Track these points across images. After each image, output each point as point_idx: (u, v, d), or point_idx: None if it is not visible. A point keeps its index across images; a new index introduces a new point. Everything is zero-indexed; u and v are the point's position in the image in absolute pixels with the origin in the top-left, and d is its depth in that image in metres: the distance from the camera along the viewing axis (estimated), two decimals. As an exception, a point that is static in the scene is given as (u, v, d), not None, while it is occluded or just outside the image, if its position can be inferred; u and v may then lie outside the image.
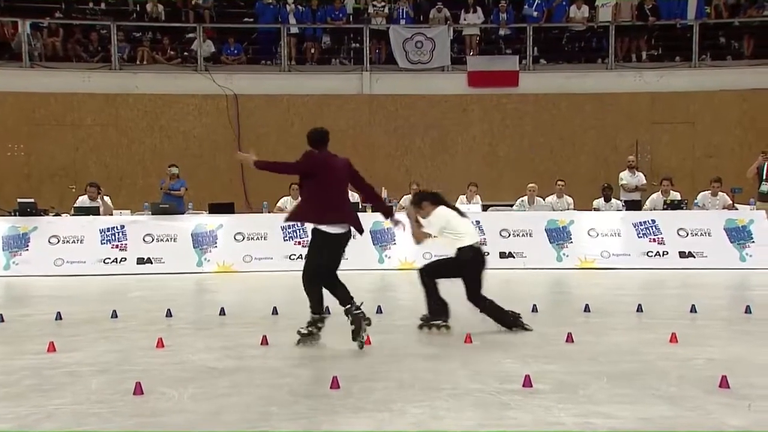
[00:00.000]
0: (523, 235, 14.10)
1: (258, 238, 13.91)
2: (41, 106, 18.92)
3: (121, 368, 6.42)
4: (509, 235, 14.07)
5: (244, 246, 13.85)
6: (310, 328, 7.32)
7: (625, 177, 16.12)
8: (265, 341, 7.34)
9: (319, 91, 19.62)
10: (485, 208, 14.95)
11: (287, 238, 13.89)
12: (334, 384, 5.67)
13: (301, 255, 13.68)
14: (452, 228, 8.12)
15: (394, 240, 13.82)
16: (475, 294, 7.97)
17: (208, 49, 20.00)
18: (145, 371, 6.22)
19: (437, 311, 8.01)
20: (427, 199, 8.31)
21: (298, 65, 20.28)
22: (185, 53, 20.18)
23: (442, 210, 8.23)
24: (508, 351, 7.02)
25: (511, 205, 15.23)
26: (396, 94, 19.67)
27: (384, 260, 13.78)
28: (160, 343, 7.23)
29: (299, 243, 13.80)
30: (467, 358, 6.73)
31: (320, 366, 6.47)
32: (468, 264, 7.99)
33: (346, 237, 7.28)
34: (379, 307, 9.26)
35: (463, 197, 15.15)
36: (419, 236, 8.26)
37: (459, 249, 8.05)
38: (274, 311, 9.16)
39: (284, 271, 13.33)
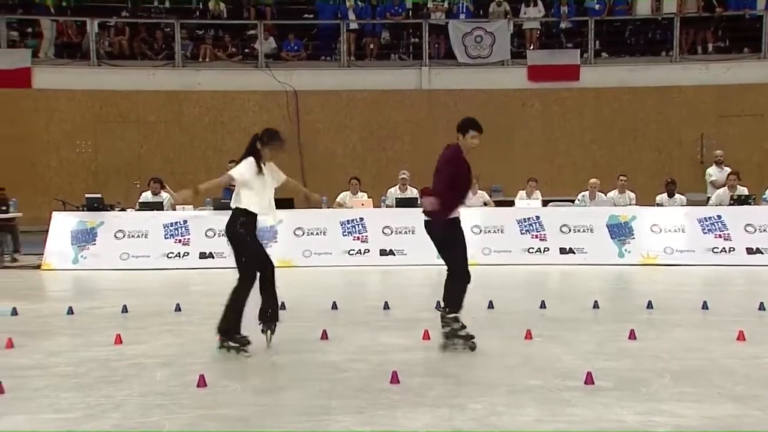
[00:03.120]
0: (583, 230, 13.91)
1: (317, 234, 14.00)
2: (108, 103, 19.36)
3: (184, 361, 6.53)
4: (569, 231, 13.91)
5: (303, 241, 13.96)
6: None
7: (713, 173, 15.49)
8: (324, 336, 7.39)
9: (378, 86, 19.65)
10: (545, 203, 14.79)
11: (346, 233, 13.96)
12: (394, 379, 5.68)
13: (360, 250, 13.80)
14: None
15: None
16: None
17: (269, 45, 20.20)
18: (207, 364, 6.32)
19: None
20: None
21: (357, 61, 20.35)
22: (246, 50, 20.42)
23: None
24: (569, 347, 6.95)
25: (572, 201, 15.04)
26: (454, 89, 19.59)
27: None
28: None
29: (358, 238, 13.87)
30: (527, 355, 6.68)
31: (379, 361, 6.49)
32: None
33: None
34: (438, 302, 9.24)
35: (522, 192, 15.02)
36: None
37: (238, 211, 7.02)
38: (334, 306, 9.21)
39: (343, 266, 13.39)
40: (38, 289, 11.63)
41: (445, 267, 7.26)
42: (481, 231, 13.99)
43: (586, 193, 14.87)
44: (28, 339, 7.36)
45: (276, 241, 13.90)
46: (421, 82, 19.85)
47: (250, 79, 19.69)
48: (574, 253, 13.72)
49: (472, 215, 14.20)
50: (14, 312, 8.74)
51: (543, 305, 9.05)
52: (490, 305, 9.07)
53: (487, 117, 19.27)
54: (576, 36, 20.25)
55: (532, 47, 20.08)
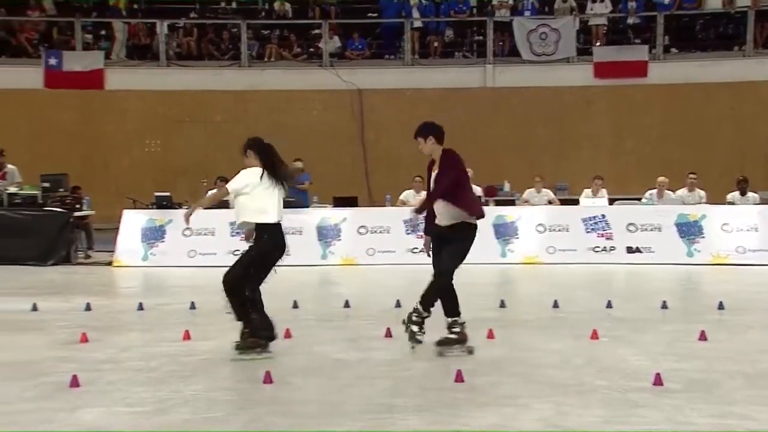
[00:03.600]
0: (651, 229, 13.65)
1: (381, 232, 14.04)
2: (176, 103, 19.75)
3: (250, 357, 6.61)
4: (636, 230, 13.66)
5: (367, 239, 14.01)
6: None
7: None
8: (389, 334, 7.42)
9: (442, 84, 19.61)
10: (611, 201, 14.56)
11: (409, 231, 13.95)
12: (458, 377, 5.67)
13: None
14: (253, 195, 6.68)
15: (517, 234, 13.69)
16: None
17: (333, 44, 20.34)
18: (273, 361, 6.40)
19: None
20: (251, 148, 6.91)
21: (420, 59, 20.34)
22: (311, 49, 20.59)
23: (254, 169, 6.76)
24: (637, 348, 6.83)
25: (639, 199, 14.78)
26: (519, 87, 19.44)
27: (506, 254, 13.67)
28: (288, 334, 7.41)
29: (421, 237, 13.84)
30: (593, 355, 6.59)
31: (443, 359, 6.48)
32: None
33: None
34: (502, 301, 9.19)
35: (588, 191, 14.81)
36: None
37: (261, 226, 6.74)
38: (397, 304, 9.22)
39: (406, 264, 13.39)
40: (110, 286, 11.93)
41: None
42: (545, 230, 13.84)
43: (654, 191, 14.59)
44: (101, 334, 7.57)
45: (339, 239, 13.99)
46: (485, 79, 19.74)
47: (315, 79, 19.85)
48: (641, 252, 13.48)
49: (536, 214, 14.07)
50: (88, 307, 8.99)
51: (609, 305, 8.92)
52: (555, 304, 8.97)
53: (552, 114, 19.28)
54: (644, 31, 19.87)
55: (598, 43, 19.79)
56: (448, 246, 6.77)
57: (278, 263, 6.93)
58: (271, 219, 6.84)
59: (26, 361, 6.43)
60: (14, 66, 20.00)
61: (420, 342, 6.61)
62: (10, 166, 14.95)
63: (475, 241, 6.88)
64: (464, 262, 7.02)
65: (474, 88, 19.73)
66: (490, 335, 7.25)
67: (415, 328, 6.62)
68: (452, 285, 6.80)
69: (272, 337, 6.67)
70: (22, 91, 19.39)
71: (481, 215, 6.86)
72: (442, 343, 6.67)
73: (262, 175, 6.78)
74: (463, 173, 6.97)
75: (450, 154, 6.98)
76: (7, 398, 5.32)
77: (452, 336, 6.69)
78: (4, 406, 5.13)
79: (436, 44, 20.45)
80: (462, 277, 11.62)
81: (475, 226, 6.82)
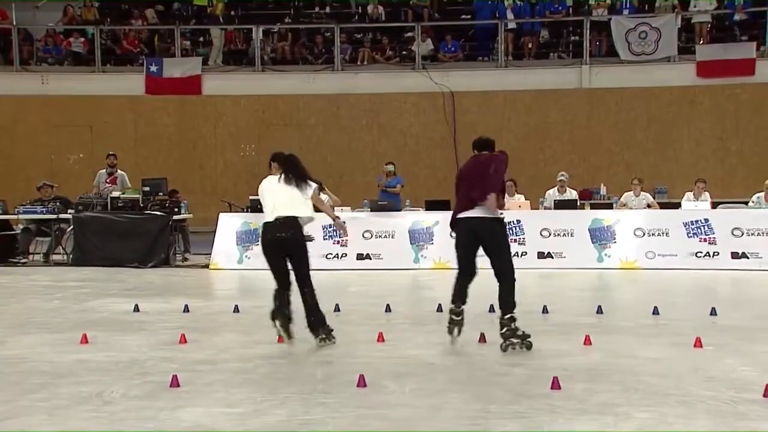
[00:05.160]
0: (758, 234, 13.14)
1: (473, 235, 13.96)
2: (270, 107, 20.16)
3: (344, 360, 6.69)
4: (742, 234, 13.18)
5: (460, 243, 13.95)
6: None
7: None
8: (483, 339, 7.37)
9: (536, 86, 19.40)
10: (715, 205, 14.10)
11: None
12: (555, 384, 5.59)
13: (516, 253, 13.62)
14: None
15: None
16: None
17: (426, 47, 20.37)
18: (367, 364, 6.44)
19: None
20: (275, 160, 7.60)
21: (515, 60, 20.16)
22: (404, 52, 20.67)
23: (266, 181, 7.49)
24: (746, 358, 6.59)
25: (745, 203, 14.25)
26: (617, 88, 19.06)
27: (603, 259, 13.41)
28: (381, 338, 7.45)
29: (515, 241, 13.69)
30: (698, 364, 6.39)
31: (539, 365, 6.40)
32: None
33: None
34: (599, 307, 9.01)
35: (689, 194, 14.38)
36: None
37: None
38: (491, 309, 9.15)
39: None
40: (207, 288, 12.23)
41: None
42: (644, 234, 13.50)
43: (762, 194, 14.06)
44: (199, 335, 7.77)
45: (432, 243, 13.98)
46: (581, 80, 19.42)
47: (407, 81, 19.93)
48: (747, 257, 13.00)
49: (634, 217, 13.75)
50: (186, 309, 9.25)
51: (713, 312, 8.64)
52: (655, 311, 8.74)
53: (651, 116, 18.81)
54: (752, 28, 19.17)
55: (702, 42, 19.19)
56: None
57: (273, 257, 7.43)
58: (266, 219, 7.41)
59: (130, 361, 6.66)
60: (119, 73, 20.81)
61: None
62: (120, 171, 15.57)
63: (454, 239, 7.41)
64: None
65: (569, 89, 19.44)
66: (587, 341, 7.12)
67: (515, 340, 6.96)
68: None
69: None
70: (127, 98, 20.15)
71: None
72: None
73: (279, 179, 7.41)
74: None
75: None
76: (113, 397, 5.52)
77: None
78: (109, 405, 5.33)
79: (530, 45, 20.24)
80: (557, 282, 11.51)
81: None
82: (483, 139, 7.58)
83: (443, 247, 13.88)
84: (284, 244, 7.36)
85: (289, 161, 7.52)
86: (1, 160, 19.69)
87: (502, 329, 7.00)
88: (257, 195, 14.49)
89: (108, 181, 15.44)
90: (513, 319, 7.02)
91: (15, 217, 14.85)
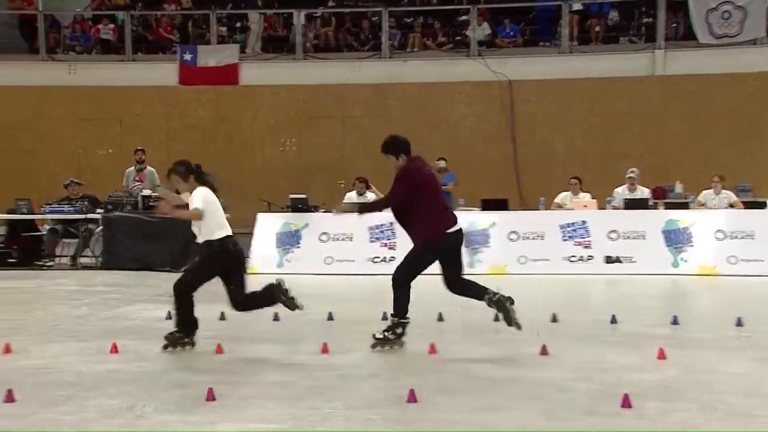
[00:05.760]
0: None
1: (534, 238, 13.89)
2: (312, 98, 20.24)
3: (393, 373, 6.71)
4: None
5: (518, 246, 13.89)
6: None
7: None
8: (544, 351, 7.32)
9: (603, 73, 19.21)
10: (805, 204, 13.84)
11: (566, 237, 13.75)
12: (625, 402, 5.53)
13: (582, 257, 13.56)
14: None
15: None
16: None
17: (482, 32, 20.30)
18: (417, 377, 6.43)
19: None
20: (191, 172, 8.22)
21: (580, 45, 20.01)
22: (457, 38, 20.62)
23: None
24: (838, 376, 6.44)
25: (843, 201, 13.97)
26: (694, 74, 18.78)
27: (679, 264, 13.23)
28: (432, 350, 7.45)
29: (579, 243, 13.62)
30: (786, 382, 6.26)
31: (607, 380, 6.33)
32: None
33: None
34: (674, 317, 8.89)
35: (777, 192, 14.13)
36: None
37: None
38: (554, 318, 9.10)
39: (563, 274, 13.20)
40: (244, 293, 12.32)
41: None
42: (725, 236, 13.30)
43: None
44: (236, 345, 7.85)
45: (488, 246, 13.94)
46: (654, 67, 19.17)
47: (460, 69, 19.87)
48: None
49: (714, 218, 13.54)
50: (222, 317, 9.34)
51: (804, 324, 8.47)
52: (739, 322, 8.60)
53: (734, 105, 18.47)
54: None
55: (793, 22, 18.82)
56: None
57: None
58: (226, 232, 8.24)
59: (163, 372, 6.76)
60: (151, 62, 21.11)
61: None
62: (149, 167, 15.77)
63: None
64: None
65: (640, 76, 19.21)
66: (661, 355, 7.03)
67: None
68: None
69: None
70: (158, 88, 20.42)
71: None
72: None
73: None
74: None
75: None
76: (145, 411, 5.58)
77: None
78: (141, 420, 5.40)
79: (597, 28, 20.04)
80: (627, 288, 11.40)
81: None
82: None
83: (501, 251, 13.85)
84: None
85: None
86: (25, 156, 20.10)
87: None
88: (298, 194, 14.67)
89: (137, 178, 15.65)
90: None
91: (41, 217, 15.15)
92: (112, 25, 21.89)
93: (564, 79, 19.35)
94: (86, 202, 15.02)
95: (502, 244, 13.94)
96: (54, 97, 20.60)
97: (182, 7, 22.52)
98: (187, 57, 20.56)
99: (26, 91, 20.55)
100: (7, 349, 7.44)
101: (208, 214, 7.73)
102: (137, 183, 15.64)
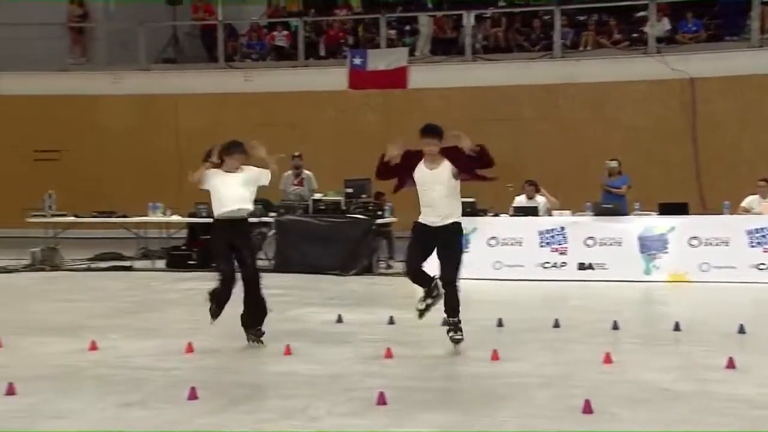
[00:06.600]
0: None
1: (717, 244, 13.31)
2: (480, 100, 20.22)
3: (566, 383, 6.59)
4: None
5: (700, 252, 13.33)
6: None
7: None
8: (731, 364, 7.00)
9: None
10: None
11: (754, 244, 13.10)
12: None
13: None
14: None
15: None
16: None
17: (661, 27, 19.68)
18: (592, 388, 6.31)
19: None
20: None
21: (772, 38, 19.05)
22: (634, 35, 20.07)
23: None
24: None
25: None
26: None
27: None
28: (608, 359, 7.27)
29: (767, 251, 12.97)
30: None
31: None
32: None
33: None
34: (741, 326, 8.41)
35: None
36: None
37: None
38: (741, 329, 8.69)
39: (750, 282, 12.60)
40: (412, 298, 12.26)
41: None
42: None
43: None
44: (405, 349, 7.94)
45: (666, 252, 13.48)
46: None
47: (636, 68, 19.36)
48: None
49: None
50: (391, 321, 9.48)
51: None
52: None
53: None
54: None
55: None
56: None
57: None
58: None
59: (335, 375, 6.92)
60: (322, 67, 21.70)
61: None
62: (306, 171, 16.19)
63: None
64: None
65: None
66: None
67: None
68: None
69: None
70: (329, 93, 20.96)
71: None
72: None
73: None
74: None
75: None
76: (318, 413, 5.75)
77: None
78: (315, 422, 5.55)
79: (791, 20, 19.04)
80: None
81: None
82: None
83: (680, 257, 13.35)
84: None
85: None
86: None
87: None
88: (466, 197, 14.74)
89: (295, 182, 16.08)
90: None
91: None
92: (285, 32, 22.67)
93: (754, 75, 18.43)
94: (260, 206, 15.55)
95: (682, 250, 13.43)
96: (231, 104, 21.53)
97: (353, 11, 23.02)
98: (357, 61, 20.94)
99: (206, 98, 21.59)
100: (190, 349, 7.83)
101: None
102: (296, 187, 16.05)
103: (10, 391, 6.15)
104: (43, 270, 15.15)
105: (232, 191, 8.20)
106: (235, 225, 8.22)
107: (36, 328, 9.21)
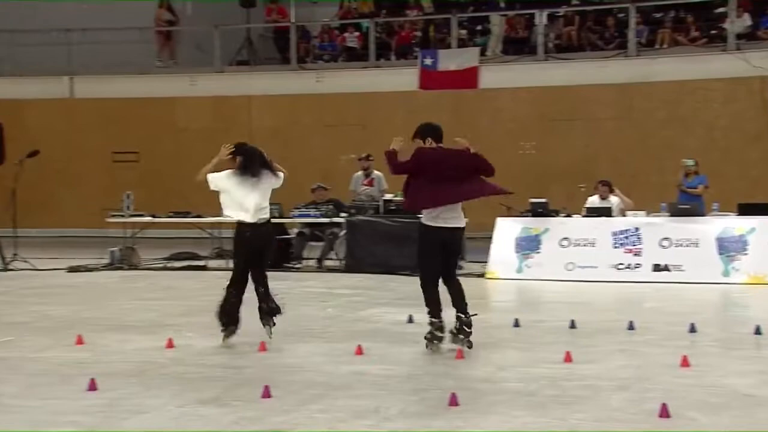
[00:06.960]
0: None
1: (799, 246, 12.98)
2: (552, 100, 20.06)
3: (642, 386, 6.49)
4: None
5: (783, 254, 13.03)
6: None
7: None
8: (815, 369, 6.83)
9: None
10: None
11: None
12: None
13: None
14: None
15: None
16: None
17: (742, 24, 19.26)
18: (669, 392, 6.20)
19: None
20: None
21: None
22: (713, 32, 19.68)
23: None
24: None
25: None
26: None
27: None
28: (685, 362, 7.14)
29: None
30: None
31: None
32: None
33: None
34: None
35: None
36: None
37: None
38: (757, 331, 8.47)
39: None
40: (484, 299, 12.40)
41: None
42: None
43: None
44: (477, 350, 7.91)
45: (746, 254, 13.18)
46: None
47: (715, 65, 18.99)
48: None
49: None
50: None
51: None
52: None
53: None
54: None
55: None
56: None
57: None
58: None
59: (406, 375, 6.94)
60: (393, 68, 21.76)
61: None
62: (376, 172, 16.25)
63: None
64: None
65: None
66: None
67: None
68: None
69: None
70: (399, 94, 21.00)
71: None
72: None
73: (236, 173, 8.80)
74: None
75: None
76: (390, 413, 5.76)
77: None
78: (388, 422, 5.57)
79: None
80: None
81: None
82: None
83: (762, 259, 13.04)
84: None
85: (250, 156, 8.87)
86: (277, 162, 21.26)
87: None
88: (538, 198, 14.56)
89: (365, 182, 16.16)
90: None
91: (290, 220, 15.99)
92: (357, 33, 22.79)
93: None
94: (331, 206, 15.67)
95: (762, 251, 13.11)
96: (303, 105, 21.74)
97: (424, 12, 23.04)
98: (428, 61, 20.95)
99: (279, 99, 21.84)
100: (263, 347, 7.93)
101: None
102: (366, 187, 16.13)
103: (92, 387, 6.31)
104: (121, 269, 15.51)
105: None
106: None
107: (115, 325, 9.45)
